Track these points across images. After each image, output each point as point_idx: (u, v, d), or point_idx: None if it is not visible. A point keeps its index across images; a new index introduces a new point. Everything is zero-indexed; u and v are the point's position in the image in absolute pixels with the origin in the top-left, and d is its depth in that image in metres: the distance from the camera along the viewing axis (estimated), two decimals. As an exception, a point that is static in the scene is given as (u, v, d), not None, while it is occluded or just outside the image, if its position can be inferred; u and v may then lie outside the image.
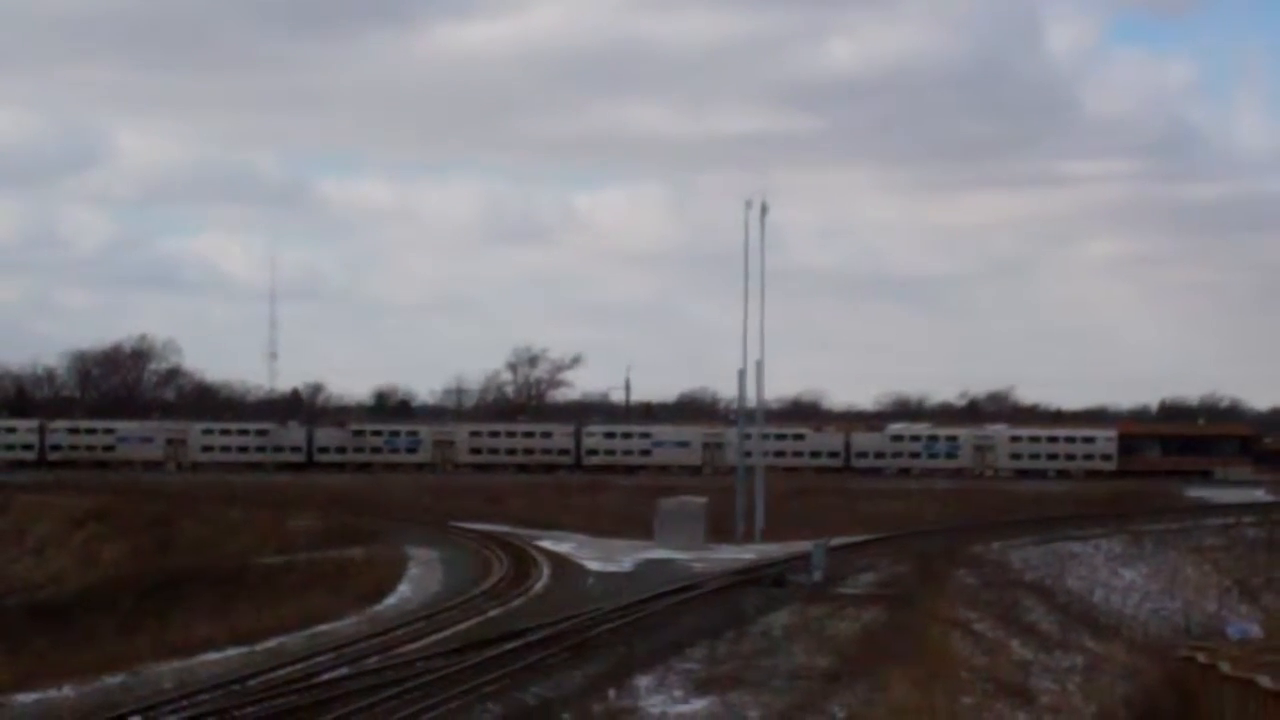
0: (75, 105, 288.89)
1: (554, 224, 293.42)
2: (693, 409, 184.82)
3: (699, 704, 34.17)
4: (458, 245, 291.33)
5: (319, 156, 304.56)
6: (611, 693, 34.65)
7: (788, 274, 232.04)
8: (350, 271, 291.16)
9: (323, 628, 46.99)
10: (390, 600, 55.89)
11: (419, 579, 62.57)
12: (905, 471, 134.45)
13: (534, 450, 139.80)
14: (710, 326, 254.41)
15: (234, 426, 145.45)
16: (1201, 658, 38.26)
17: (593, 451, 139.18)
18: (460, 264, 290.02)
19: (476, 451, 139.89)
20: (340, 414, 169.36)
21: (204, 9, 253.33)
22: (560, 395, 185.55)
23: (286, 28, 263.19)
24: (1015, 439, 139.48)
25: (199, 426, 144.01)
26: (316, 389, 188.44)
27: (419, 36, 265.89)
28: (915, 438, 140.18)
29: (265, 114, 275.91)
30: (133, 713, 30.37)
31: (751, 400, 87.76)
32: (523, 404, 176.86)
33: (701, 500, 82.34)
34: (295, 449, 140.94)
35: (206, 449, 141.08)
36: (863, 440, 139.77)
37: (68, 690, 34.91)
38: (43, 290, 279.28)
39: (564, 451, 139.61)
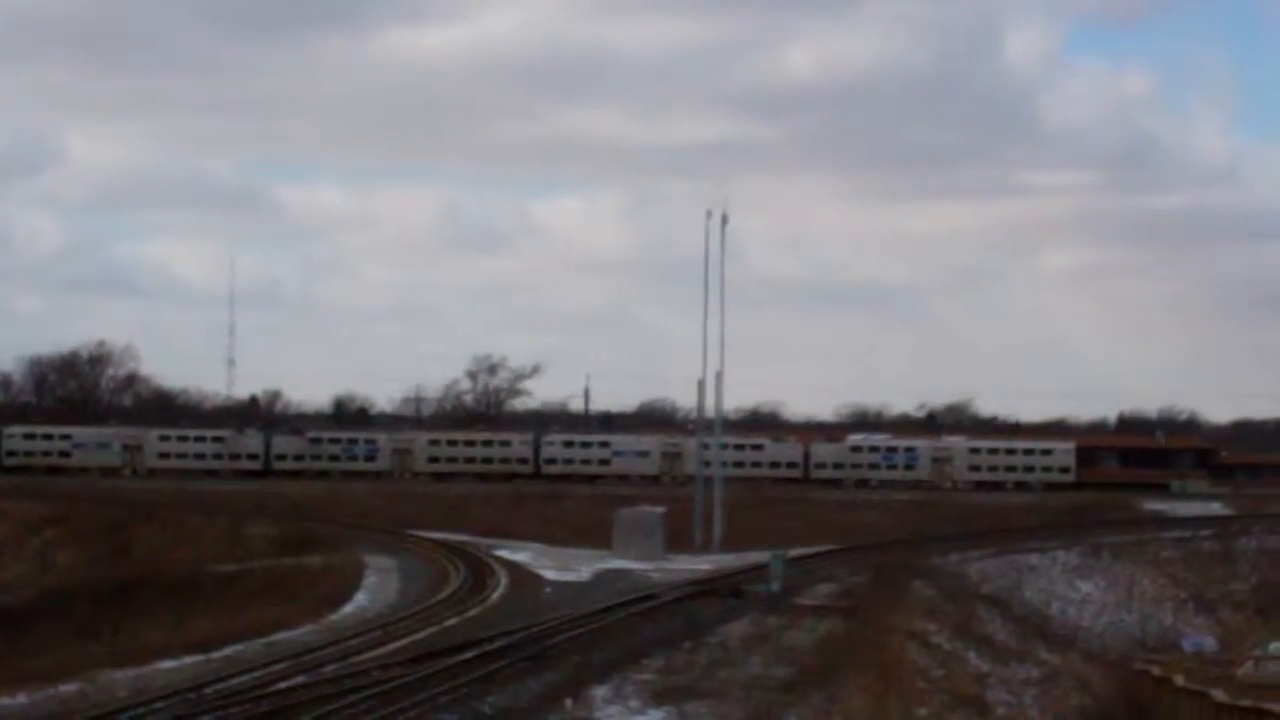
0: (26, 108, 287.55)
1: (511, 231, 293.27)
2: (652, 419, 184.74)
3: (655, 714, 34.19)
4: (415, 252, 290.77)
5: (273, 162, 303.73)
6: (568, 703, 34.65)
7: (747, 283, 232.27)
8: (306, 278, 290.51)
9: (279, 636, 46.86)
10: (347, 609, 55.79)
11: (376, 587, 62.47)
12: (864, 483, 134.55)
13: (493, 459, 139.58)
14: (669, 336, 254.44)
15: (191, 433, 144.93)
16: (1156, 670, 38.51)
17: (551, 460, 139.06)
18: (418, 271, 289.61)
19: (435, 460, 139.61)
20: (298, 421, 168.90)
21: (157, 13, 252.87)
22: (519, 404, 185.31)
23: (239, 32, 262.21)
24: (974, 450, 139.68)
25: (156, 433, 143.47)
26: (274, 396, 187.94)
27: (370, 42, 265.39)
28: (874, 449, 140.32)
29: (218, 119, 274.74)
30: (87, 721, 30.25)
31: (710, 410, 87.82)
32: (482, 413, 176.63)
33: (659, 510, 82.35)
34: (252, 456, 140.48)
35: (163, 455, 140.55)
36: (822, 451, 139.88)
37: (22, 698, 34.74)
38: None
39: (523, 460, 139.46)
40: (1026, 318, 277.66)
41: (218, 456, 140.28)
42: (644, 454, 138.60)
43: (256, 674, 37.12)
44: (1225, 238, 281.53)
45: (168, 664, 40.56)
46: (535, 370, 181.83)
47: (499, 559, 72.69)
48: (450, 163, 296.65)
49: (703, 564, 73.24)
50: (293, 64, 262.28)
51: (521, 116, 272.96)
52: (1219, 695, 32.12)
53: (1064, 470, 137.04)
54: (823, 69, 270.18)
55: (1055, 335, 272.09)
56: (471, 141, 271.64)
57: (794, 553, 69.79)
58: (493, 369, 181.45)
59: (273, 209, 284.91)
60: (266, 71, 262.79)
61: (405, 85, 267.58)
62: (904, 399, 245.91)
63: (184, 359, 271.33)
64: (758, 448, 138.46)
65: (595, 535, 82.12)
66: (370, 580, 64.94)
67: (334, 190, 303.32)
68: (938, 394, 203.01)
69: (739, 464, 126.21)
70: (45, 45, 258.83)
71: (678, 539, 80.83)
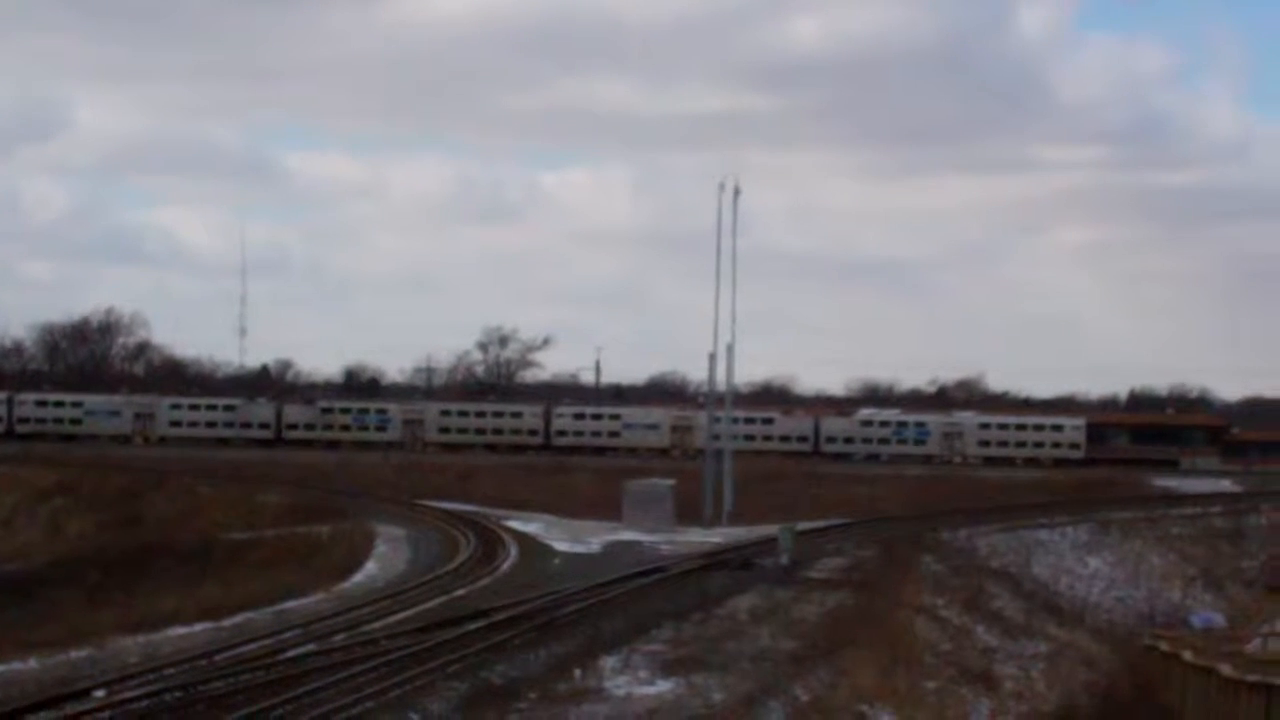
0: (33, 74, 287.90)
1: (520, 203, 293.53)
2: (662, 391, 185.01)
3: (664, 685, 34.24)
4: (423, 222, 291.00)
5: (282, 130, 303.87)
6: (577, 673, 34.71)
7: (756, 256, 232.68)
8: (315, 247, 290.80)
9: (290, 604, 46.98)
10: (357, 578, 55.91)
11: (386, 557, 62.59)
12: (874, 457, 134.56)
13: (503, 430, 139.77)
14: (679, 308, 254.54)
15: (202, 402, 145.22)
16: (1164, 646, 38.57)
17: (562, 432, 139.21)
18: (426, 241, 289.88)
19: (446, 431, 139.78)
20: (309, 391, 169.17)
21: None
22: (530, 376, 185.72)
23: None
24: (984, 426, 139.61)
25: (167, 401, 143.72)
26: (286, 366, 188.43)
27: (378, 8, 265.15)
28: (884, 423, 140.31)
29: (225, 85, 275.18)
30: (98, 686, 30.33)
31: (721, 384, 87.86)
32: (492, 384, 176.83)
33: (669, 483, 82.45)
34: (264, 425, 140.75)
35: (174, 424, 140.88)
36: (832, 425, 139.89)
37: (33, 663, 34.86)
38: (3, 260, 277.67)
39: (533, 432, 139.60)
40: (1037, 293, 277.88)
41: (229, 425, 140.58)
42: (654, 427, 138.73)
43: (267, 641, 37.22)
44: (1236, 215, 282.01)
45: (179, 630, 40.69)
46: (546, 342, 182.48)
47: (509, 530, 72.79)
48: (457, 132, 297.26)
49: (712, 537, 73.31)
50: (301, 30, 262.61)
51: (528, 85, 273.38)
52: (1227, 670, 32.19)
53: (1074, 446, 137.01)
54: (831, 40, 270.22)
55: (1066, 311, 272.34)
56: (478, 110, 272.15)
57: (803, 526, 69.85)
58: (503, 340, 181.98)
59: (280, 177, 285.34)
60: (274, 38, 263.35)
61: (413, 53, 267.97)
62: (914, 374, 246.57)
63: (192, 327, 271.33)
64: (768, 421, 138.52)
65: (605, 507, 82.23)
66: (380, 549, 65.06)
67: (342, 159, 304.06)
68: (948, 369, 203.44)
69: (749, 437, 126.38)
70: (53, 11, 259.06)
71: (687, 512, 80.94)
